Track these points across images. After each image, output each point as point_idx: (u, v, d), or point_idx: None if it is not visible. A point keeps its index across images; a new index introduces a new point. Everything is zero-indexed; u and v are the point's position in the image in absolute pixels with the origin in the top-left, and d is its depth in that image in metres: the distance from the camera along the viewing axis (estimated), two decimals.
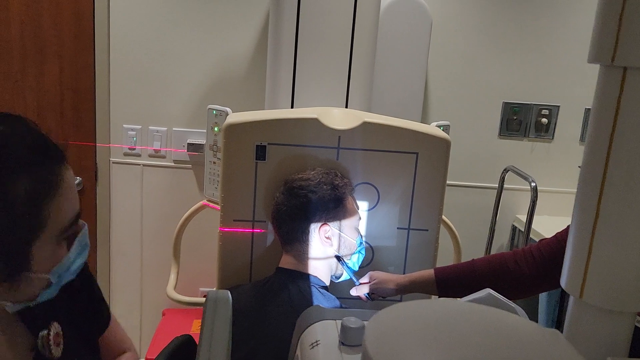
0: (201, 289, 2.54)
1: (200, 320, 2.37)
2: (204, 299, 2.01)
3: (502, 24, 2.45)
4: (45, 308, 0.81)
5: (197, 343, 1.44)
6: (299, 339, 0.73)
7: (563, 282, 0.74)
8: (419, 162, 1.49)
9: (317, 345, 0.67)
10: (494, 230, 2.45)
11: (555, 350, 0.46)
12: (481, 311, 0.51)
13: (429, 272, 1.37)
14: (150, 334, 2.50)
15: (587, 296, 0.69)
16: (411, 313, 0.50)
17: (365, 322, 0.69)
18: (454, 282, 1.33)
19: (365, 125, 1.46)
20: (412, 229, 1.54)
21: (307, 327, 0.73)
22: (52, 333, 0.81)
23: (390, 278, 1.40)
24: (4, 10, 2.29)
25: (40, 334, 0.80)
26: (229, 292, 0.63)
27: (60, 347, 0.83)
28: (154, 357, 1.39)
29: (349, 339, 0.67)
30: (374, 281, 1.41)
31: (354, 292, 1.43)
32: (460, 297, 1.34)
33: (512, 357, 0.45)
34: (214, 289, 2.25)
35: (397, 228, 1.53)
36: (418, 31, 2.21)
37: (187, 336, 1.49)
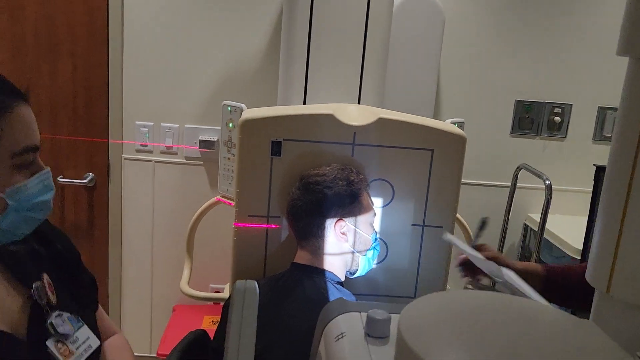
0: (212, 285, 2.54)
1: (210, 317, 2.38)
2: (217, 294, 2.02)
3: (515, 22, 2.44)
4: (33, 263, 0.90)
5: (211, 338, 1.44)
6: (322, 332, 0.73)
7: (588, 276, 0.73)
8: (434, 159, 1.49)
9: (342, 337, 0.67)
10: (506, 228, 2.44)
11: (591, 340, 0.45)
12: (513, 301, 0.51)
13: (536, 267, 1.32)
14: (160, 330, 2.51)
15: (614, 290, 0.68)
16: (444, 303, 0.50)
17: (391, 315, 0.69)
18: (562, 282, 1.28)
19: (381, 121, 1.46)
20: (427, 226, 1.53)
21: (331, 320, 0.73)
22: (45, 282, 0.88)
23: (502, 256, 1.31)
24: (19, 8, 2.31)
25: (35, 284, 0.87)
26: (255, 282, 0.63)
27: (54, 296, 0.89)
28: (168, 352, 1.40)
29: (375, 331, 0.67)
30: (490, 252, 1.31)
31: (470, 251, 1.23)
32: (563, 298, 1.29)
33: (547, 346, 0.44)
34: (225, 285, 2.26)
35: (412, 225, 1.53)
36: (431, 29, 2.21)
37: (202, 331, 1.50)
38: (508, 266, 1.25)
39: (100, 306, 1.12)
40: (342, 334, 0.68)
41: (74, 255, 1.03)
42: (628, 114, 0.68)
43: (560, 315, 0.50)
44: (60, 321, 0.87)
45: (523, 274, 1.24)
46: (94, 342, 0.92)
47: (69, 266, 1.00)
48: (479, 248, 1.32)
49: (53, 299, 0.88)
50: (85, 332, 0.91)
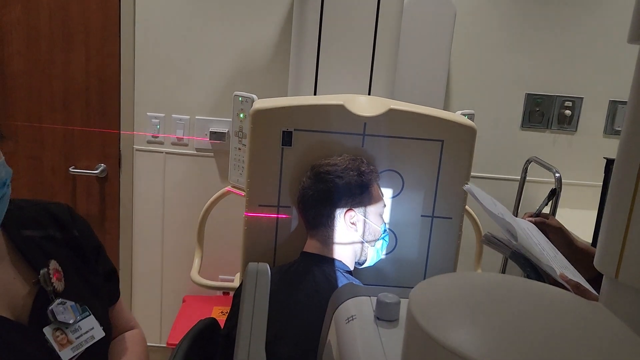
0: (220, 276, 2.56)
1: (220, 307, 2.39)
2: (227, 283, 2.03)
3: (526, 15, 2.43)
4: (46, 249, 0.91)
5: (221, 327, 1.46)
6: (333, 315, 0.74)
7: (597, 262, 0.74)
8: (444, 150, 1.49)
9: (353, 320, 0.68)
10: None
11: (601, 321, 0.46)
12: (523, 282, 0.52)
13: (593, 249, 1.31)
14: (170, 320, 2.54)
15: (622, 276, 0.69)
16: (454, 283, 0.51)
17: (400, 299, 0.70)
18: None
19: (391, 112, 1.47)
20: (436, 217, 1.54)
21: (341, 303, 0.74)
22: (51, 269, 0.88)
23: (566, 229, 1.28)
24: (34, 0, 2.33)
25: (42, 270, 0.87)
26: (267, 265, 0.64)
27: (62, 283, 0.89)
28: (177, 341, 1.42)
29: (385, 314, 0.68)
30: (555, 222, 1.27)
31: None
32: None
33: (557, 325, 0.45)
34: (235, 276, 2.28)
35: (421, 216, 1.54)
36: (442, 21, 2.20)
37: (212, 319, 1.52)
38: (571, 241, 1.25)
39: (121, 299, 1.12)
40: (352, 316, 0.69)
41: (92, 243, 1.02)
42: (639, 100, 0.68)
43: (570, 296, 0.50)
44: (62, 309, 0.86)
45: (583, 253, 1.23)
46: (98, 334, 0.91)
47: (85, 254, 0.99)
48: (544, 216, 1.32)
49: (59, 286, 0.88)
50: (90, 322, 0.90)
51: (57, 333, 0.85)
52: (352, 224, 1.37)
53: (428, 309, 0.46)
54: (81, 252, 0.98)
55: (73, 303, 0.88)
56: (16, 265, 0.87)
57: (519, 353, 0.40)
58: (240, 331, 0.59)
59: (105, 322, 0.95)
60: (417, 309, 0.46)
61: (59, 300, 0.87)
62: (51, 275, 0.87)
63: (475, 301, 0.47)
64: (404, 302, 0.71)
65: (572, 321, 0.46)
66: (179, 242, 2.56)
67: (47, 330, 0.84)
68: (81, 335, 0.88)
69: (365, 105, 1.48)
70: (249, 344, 0.58)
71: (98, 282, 1.01)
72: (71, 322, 0.87)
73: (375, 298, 0.71)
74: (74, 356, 0.87)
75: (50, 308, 0.85)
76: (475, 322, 0.44)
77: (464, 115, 1.72)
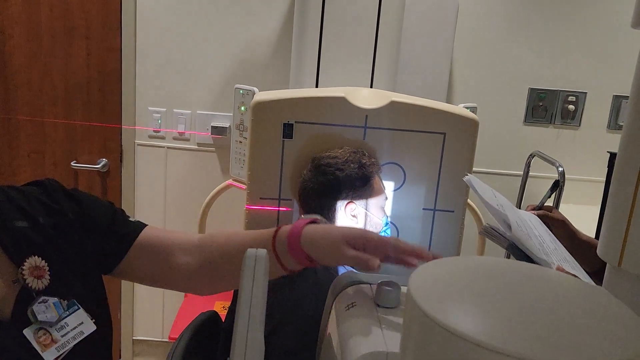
0: None
1: (221, 302, 2.38)
2: None
3: (528, 9, 2.41)
4: (29, 240, 0.85)
5: (222, 320, 1.45)
6: (333, 302, 0.74)
7: (600, 251, 0.73)
8: (446, 143, 1.48)
9: (353, 306, 0.68)
10: None
11: (603, 303, 0.45)
12: (523, 266, 0.51)
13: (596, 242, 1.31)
14: (172, 315, 2.54)
15: (625, 264, 0.68)
16: (454, 266, 0.50)
17: (401, 286, 0.70)
18: None
19: (393, 104, 1.46)
20: (438, 210, 1.53)
21: (341, 291, 0.73)
22: (26, 268, 0.83)
23: (569, 222, 1.27)
24: None
25: (20, 268, 0.83)
26: (266, 250, 0.63)
27: (42, 280, 0.84)
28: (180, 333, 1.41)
29: (385, 301, 0.67)
30: (558, 215, 1.27)
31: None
32: None
33: (559, 307, 0.45)
34: None
35: (423, 209, 1.53)
36: (444, 14, 2.19)
37: (213, 312, 1.51)
38: (573, 233, 1.26)
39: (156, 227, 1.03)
40: (352, 303, 0.68)
41: (93, 220, 0.94)
42: None
43: (571, 279, 0.50)
44: (44, 307, 0.82)
45: (585, 246, 1.24)
46: (88, 328, 0.87)
47: (82, 235, 0.92)
48: (547, 209, 1.31)
49: (38, 284, 0.83)
50: (79, 316, 0.86)
51: (40, 333, 0.82)
52: (353, 216, 1.36)
53: (427, 290, 0.45)
54: (77, 234, 0.92)
55: (56, 300, 0.84)
56: None
57: (519, 332, 0.40)
58: (238, 317, 0.58)
59: (101, 312, 0.91)
60: (416, 290, 0.45)
61: (40, 299, 0.83)
62: (25, 275, 0.82)
63: (475, 283, 0.47)
64: (404, 289, 0.70)
65: (572, 302, 0.45)
66: None
67: (28, 332, 0.81)
68: (68, 332, 0.85)
69: (367, 98, 1.47)
70: (247, 329, 0.57)
71: (104, 256, 0.94)
72: (54, 320, 0.83)
73: (375, 285, 0.71)
74: (60, 355, 0.83)
75: (30, 308, 0.82)
76: (474, 303, 0.44)
77: (467, 108, 1.71)
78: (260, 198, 1.50)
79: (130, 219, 1.01)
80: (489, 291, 0.46)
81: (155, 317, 2.65)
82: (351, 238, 0.78)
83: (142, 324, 2.68)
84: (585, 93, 2.48)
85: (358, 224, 1.37)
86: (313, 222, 0.83)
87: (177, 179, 2.52)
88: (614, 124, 2.52)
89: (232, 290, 1.45)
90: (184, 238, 0.99)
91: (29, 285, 0.83)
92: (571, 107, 2.48)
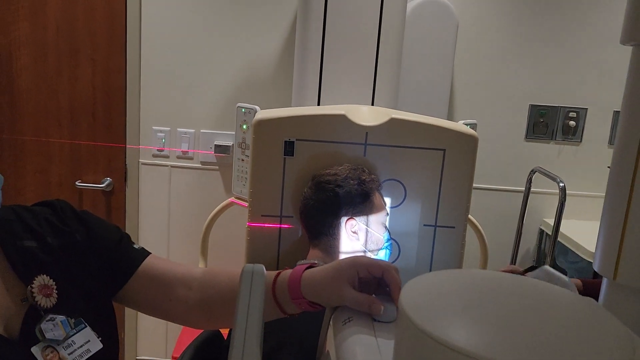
0: None
1: None
2: None
3: (528, 26, 2.44)
4: (37, 259, 0.86)
5: (224, 338, 1.45)
6: (331, 317, 0.74)
7: (596, 265, 0.74)
8: (446, 159, 1.49)
9: (349, 321, 0.68)
10: (520, 233, 2.43)
11: (593, 316, 0.46)
12: (514, 279, 0.52)
13: (575, 281, 1.40)
14: (175, 334, 2.54)
15: (621, 277, 0.69)
16: (447, 279, 0.51)
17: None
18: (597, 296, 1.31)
19: (393, 121, 1.47)
20: (439, 226, 1.53)
21: (339, 306, 0.74)
22: (35, 286, 0.84)
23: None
24: (42, 15, 2.37)
25: (29, 286, 0.84)
26: (263, 266, 0.64)
27: (50, 299, 0.85)
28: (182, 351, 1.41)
29: (382, 316, 0.68)
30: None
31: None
32: None
33: (550, 319, 0.45)
34: None
35: (424, 225, 1.54)
36: (444, 33, 2.22)
37: (215, 331, 1.52)
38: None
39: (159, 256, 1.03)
40: (349, 318, 0.69)
41: (99, 242, 0.96)
42: (633, 99, 0.68)
43: (562, 291, 0.50)
44: (51, 326, 0.83)
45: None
46: (95, 346, 0.88)
47: (89, 256, 0.93)
48: (512, 269, 1.38)
49: (46, 302, 0.85)
50: (85, 335, 0.87)
51: (47, 351, 0.83)
52: (354, 232, 1.37)
53: (419, 303, 0.46)
54: (83, 256, 0.93)
55: (64, 318, 0.85)
56: (6, 280, 0.84)
57: (510, 343, 0.40)
58: (235, 331, 0.59)
59: (107, 332, 0.92)
60: (407, 302, 0.46)
61: (48, 317, 0.84)
62: (34, 294, 0.84)
63: (466, 295, 0.47)
64: None
65: (562, 313, 0.46)
66: (184, 253, 2.56)
67: (36, 350, 0.82)
68: (75, 350, 0.85)
69: (367, 115, 1.49)
70: (244, 343, 0.58)
71: (109, 281, 0.95)
72: (61, 338, 0.84)
73: None
74: None
75: (38, 326, 0.83)
76: (466, 315, 0.44)
77: (467, 124, 1.72)
78: (262, 215, 1.51)
79: (134, 245, 1.02)
80: (480, 303, 0.46)
81: (158, 336, 2.65)
82: (348, 275, 0.75)
83: (146, 343, 2.67)
84: (586, 109, 2.50)
85: (359, 240, 1.38)
86: (311, 266, 0.83)
87: (181, 197, 2.54)
88: (615, 140, 2.52)
89: None
90: (185, 272, 0.99)
91: (38, 303, 0.84)
92: (572, 123, 2.50)
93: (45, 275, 0.86)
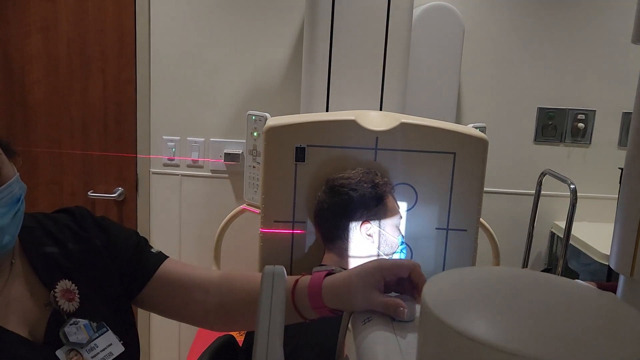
0: None
1: None
2: None
3: (535, 29, 2.45)
4: (59, 264, 0.89)
5: (239, 344, 1.46)
6: (350, 317, 0.75)
7: (612, 262, 0.74)
8: (456, 162, 1.50)
9: (369, 321, 0.69)
10: (532, 237, 2.42)
11: (616, 310, 0.47)
12: (536, 275, 0.53)
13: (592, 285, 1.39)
14: (189, 341, 2.54)
15: (638, 274, 0.69)
16: (469, 275, 0.52)
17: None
18: None
19: (403, 126, 1.48)
20: (451, 229, 1.54)
21: None
22: (58, 290, 0.87)
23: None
24: (53, 29, 2.41)
25: (52, 291, 0.86)
26: (283, 267, 0.65)
27: (73, 303, 0.87)
28: (197, 358, 1.42)
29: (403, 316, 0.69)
30: None
31: None
32: None
33: (574, 313, 0.46)
34: None
35: (436, 228, 1.54)
36: (450, 38, 2.23)
37: (230, 336, 1.52)
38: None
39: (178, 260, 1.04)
40: (368, 318, 0.70)
41: (117, 249, 0.97)
42: None
43: (585, 287, 0.51)
44: (75, 329, 0.85)
45: None
46: (117, 349, 0.90)
47: (108, 262, 0.95)
48: None
49: (69, 306, 0.87)
50: (108, 338, 0.89)
51: (71, 354, 0.84)
52: (369, 235, 1.38)
53: (442, 298, 0.47)
54: (103, 261, 0.95)
55: (86, 322, 0.87)
56: (30, 285, 0.86)
57: (535, 336, 0.41)
58: (258, 333, 0.60)
59: (128, 335, 0.94)
60: (431, 298, 0.47)
61: (71, 321, 0.86)
62: (57, 298, 0.86)
63: (489, 290, 0.48)
64: (418, 306, 0.72)
65: (584, 306, 0.47)
66: (196, 261, 2.57)
67: (60, 353, 0.84)
68: (98, 353, 0.87)
69: (377, 120, 1.50)
70: (267, 344, 0.58)
71: (127, 287, 0.97)
72: (85, 342, 0.86)
73: None
74: None
75: (62, 329, 0.85)
76: (489, 309, 0.45)
77: (476, 127, 1.73)
78: (275, 221, 1.52)
79: (152, 250, 1.03)
80: (503, 297, 0.47)
81: (171, 344, 2.66)
82: (375, 280, 0.75)
83: (159, 352, 2.68)
84: (595, 111, 2.50)
85: (373, 243, 1.39)
86: (330, 273, 0.83)
87: (192, 206, 2.55)
88: (624, 141, 2.52)
89: None
90: (203, 275, 1.01)
91: (61, 307, 0.86)
92: (581, 125, 2.49)
93: (67, 280, 0.89)
